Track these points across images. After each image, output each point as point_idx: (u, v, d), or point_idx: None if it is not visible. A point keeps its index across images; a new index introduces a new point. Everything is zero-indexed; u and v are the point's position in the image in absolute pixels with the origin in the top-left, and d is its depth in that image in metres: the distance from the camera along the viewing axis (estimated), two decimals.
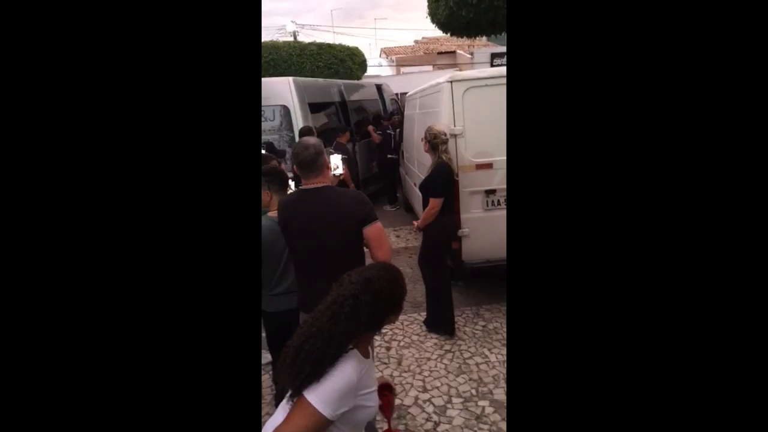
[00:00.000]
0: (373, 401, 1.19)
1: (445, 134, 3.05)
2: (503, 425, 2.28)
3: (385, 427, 2.24)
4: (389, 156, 6.30)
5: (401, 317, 3.42)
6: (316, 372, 1.05)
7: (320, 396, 1.05)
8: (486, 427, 2.28)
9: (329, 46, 12.15)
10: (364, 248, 1.88)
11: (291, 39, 14.04)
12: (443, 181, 3.00)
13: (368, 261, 1.90)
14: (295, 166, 1.91)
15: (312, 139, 1.92)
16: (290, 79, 5.19)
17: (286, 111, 5.03)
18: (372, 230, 1.79)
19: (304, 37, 15.44)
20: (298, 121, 4.96)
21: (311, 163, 1.82)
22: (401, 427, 2.31)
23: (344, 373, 1.08)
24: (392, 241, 5.15)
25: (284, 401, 1.11)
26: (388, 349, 3.07)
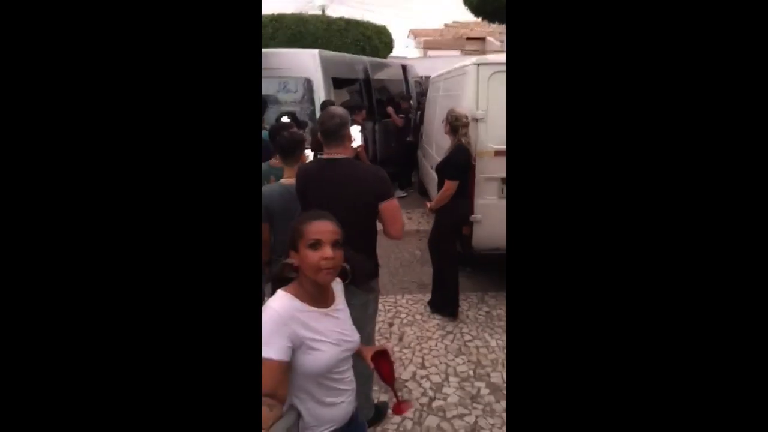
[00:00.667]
0: (326, 349, 1.13)
1: (467, 117, 3.03)
2: (497, 407, 2.32)
3: (384, 398, 2.31)
4: (408, 139, 6.27)
5: (407, 296, 3.48)
6: None
7: (263, 339, 1.01)
8: (480, 407, 2.33)
9: (357, 22, 11.99)
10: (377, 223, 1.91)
11: (319, 13, 13.88)
12: (460, 164, 2.99)
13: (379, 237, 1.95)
14: (319, 134, 1.93)
15: (339, 109, 1.94)
16: (316, 51, 5.17)
17: (309, 84, 5.02)
18: (388, 206, 1.83)
19: (332, 13, 15.25)
20: (320, 95, 4.96)
21: (335, 133, 1.84)
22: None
23: (266, 311, 1.07)
24: (404, 222, 5.17)
25: None
26: (391, 325, 3.12)
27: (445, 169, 3.04)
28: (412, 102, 6.76)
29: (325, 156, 1.92)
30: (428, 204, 3.26)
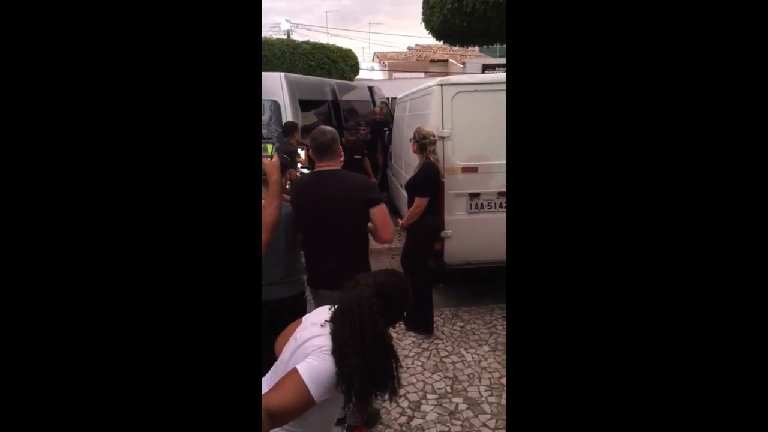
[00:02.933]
0: None
1: (434, 135, 3.10)
2: (475, 422, 2.31)
3: (354, 427, 2.27)
4: (356, 157, 6.23)
5: None
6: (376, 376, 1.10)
7: (314, 376, 1.06)
8: (459, 422, 2.32)
9: (323, 46, 12.18)
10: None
11: (284, 37, 14.00)
12: (429, 181, 3.05)
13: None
14: (311, 150, 2.07)
15: (329, 127, 2.09)
16: (282, 74, 5.19)
17: (276, 106, 5.02)
18: (378, 211, 1.95)
19: (298, 37, 15.43)
20: (288, 117, 4.96)
21: (327, 147, 1.99)
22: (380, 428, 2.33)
23: (328, 361, 1.10)
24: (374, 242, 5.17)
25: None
26: None
27: (414, 187, 3.08)
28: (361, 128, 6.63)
29: (316, 168, 2.05)
30: (400, 221, 3.28)
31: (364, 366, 1.07)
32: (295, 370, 1.07)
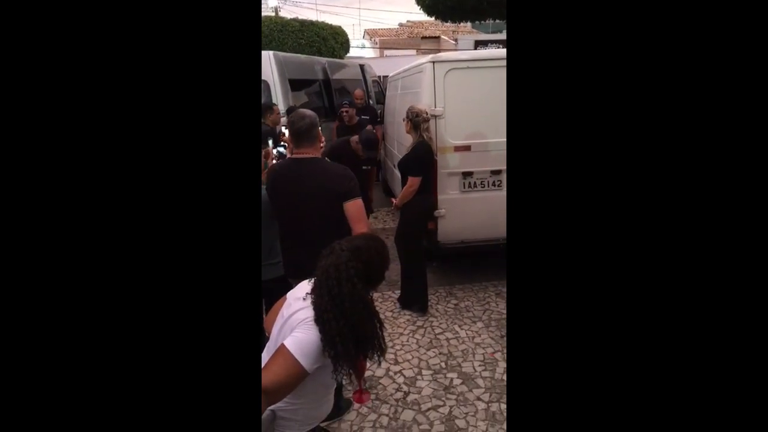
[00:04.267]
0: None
1: (427, 113, 3.08)
2: (470, 395, 2.38)
3: (354, 391, 2.32)
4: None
5: (375, 294, 3.49)
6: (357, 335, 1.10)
7: (301, 348, 1.09)
8: (453, 396, 2.38)
9: (312, 23, 11.89)
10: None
11: (272, 14, 13.65)
12: (422, 160, 3.04)
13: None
14: (289, 134, 1.98)
15: (308, 111, 1.98)
16: (271, 53, 5.08)
17: (265, 86, 4.93)
18: (351, 206, 1.86)
19: (286, 14, 15.05)
20: (278, 98, 4.88)
21: (305, 133, 1.90)
22: (372, 396, 2.38)
23: (313, 331, 1.12)
24: (369, 221, 5.18)
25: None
26: None
27: (408, 166, 3.07)
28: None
29: (294, 155, 1.96)
30: (394, 201, 3.28)
31: (345, 329, 1.08)
32: (282, 346, 1.10)
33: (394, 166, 4.15)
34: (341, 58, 11.75)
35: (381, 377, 2.53)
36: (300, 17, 12.08)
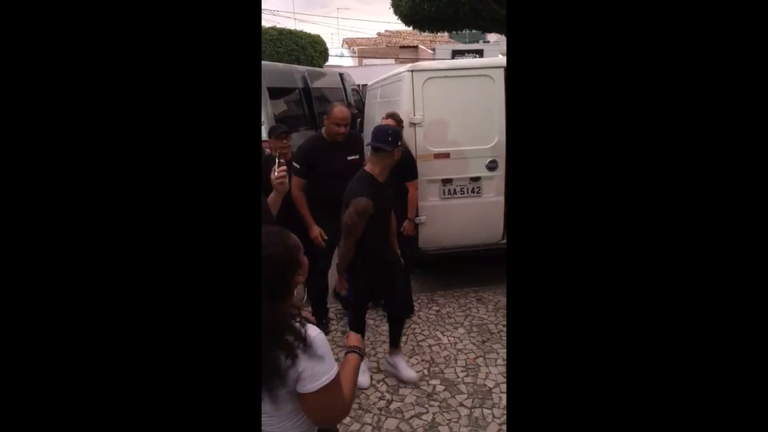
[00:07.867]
0: None
1: (402, 122, 3.12)
2: (453, 401, 2.38)
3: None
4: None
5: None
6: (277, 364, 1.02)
7: (320, 368, 1.04)
8: (436, 404, 2.38)
9: (290, 32, 11.91)
10: None
11: None
12: (412, 164, 3.12)
13: None
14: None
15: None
16: None
17: None
18: None
19: (264, 22, 15.00)
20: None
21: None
22: (354, 405, 2.36)
23: (315, 336, 1.08)
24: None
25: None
26: (345, 333, 3.10)
27: (406, 172, 3.08)
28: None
29: None
30: (408, 224, 3.19)
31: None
32: (328, 378, 1.07)
33: None
34: (320, 66, 11.76)
35: (366, 389, 2.51)
36: (278, 26, 12.07)
